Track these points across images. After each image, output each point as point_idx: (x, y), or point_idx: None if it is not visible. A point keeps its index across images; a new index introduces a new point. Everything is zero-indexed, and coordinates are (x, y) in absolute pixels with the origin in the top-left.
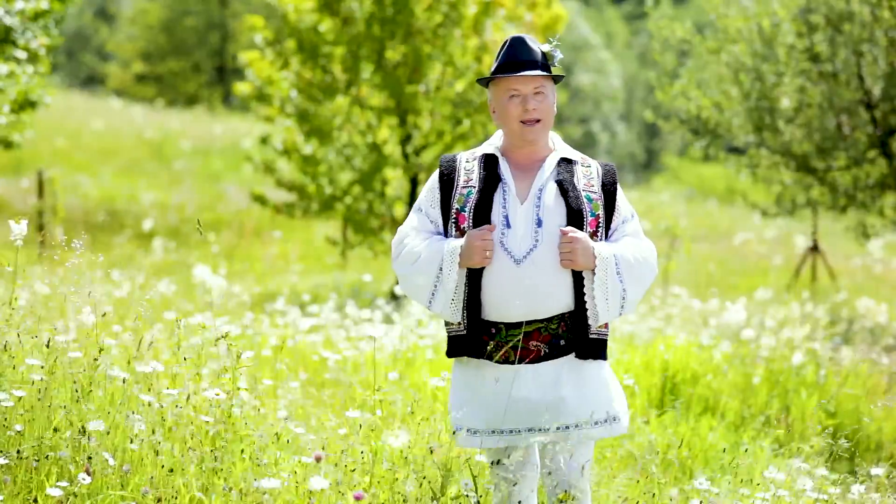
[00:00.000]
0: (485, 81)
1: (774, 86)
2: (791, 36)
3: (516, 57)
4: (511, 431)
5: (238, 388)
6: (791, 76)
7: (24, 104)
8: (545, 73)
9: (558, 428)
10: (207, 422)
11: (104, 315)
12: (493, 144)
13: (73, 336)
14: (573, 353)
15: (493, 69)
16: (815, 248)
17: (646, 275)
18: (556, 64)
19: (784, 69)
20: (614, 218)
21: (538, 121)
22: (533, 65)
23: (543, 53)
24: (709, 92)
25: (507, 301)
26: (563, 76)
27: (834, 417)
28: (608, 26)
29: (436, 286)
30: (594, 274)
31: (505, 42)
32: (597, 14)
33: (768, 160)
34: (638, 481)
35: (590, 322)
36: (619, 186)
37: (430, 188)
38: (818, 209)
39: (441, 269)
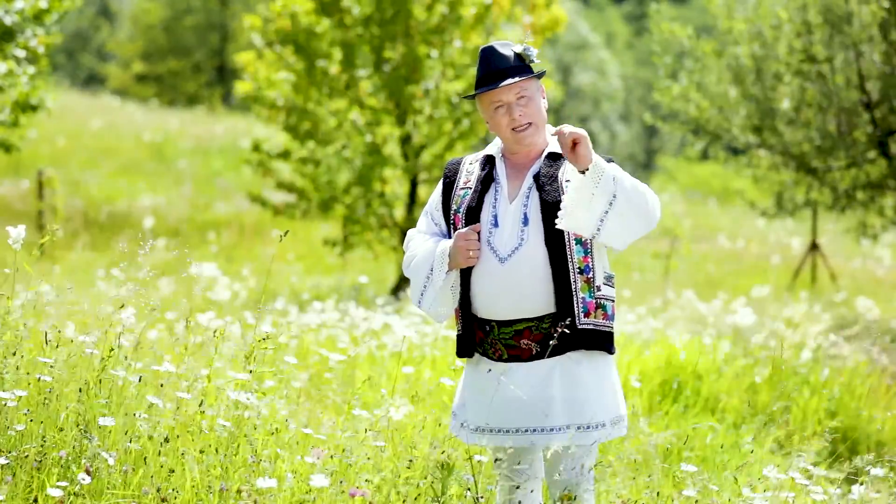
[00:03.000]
0: (470, 98)
1: (773, 87)
2: (791, 36)
3: (491, 68)
4: (500, 431)
5: (262, 393)
6: (791, 76)
7: (25, 107)
8: (523, 77)
9: (545, 429)
10: (223, 425)
11: (154, 308)
12: (496, 145)
13: (82, 337)
14: (567, 353)
15: (475, 84)
16: (814, 249)
17: (641, 206)
18: (534, 60)
19: (784, 70)
20: None
21: (529, 124)
22: (509, 72)
23: (518, 55)
24: (708, 93)
25: (494, 299)
26: (544, 71)
27: (835, 417)
28: (608, 26)
29: (425, 286)
30: (584, 175)
31: (479, 55)
32: (597, 14)
33: (768, 161)
34: (635, 479)
35: (557, 221)
36: (614, 164)
37: (435, 191)
38: (818, 209)
39: (432, 270)
